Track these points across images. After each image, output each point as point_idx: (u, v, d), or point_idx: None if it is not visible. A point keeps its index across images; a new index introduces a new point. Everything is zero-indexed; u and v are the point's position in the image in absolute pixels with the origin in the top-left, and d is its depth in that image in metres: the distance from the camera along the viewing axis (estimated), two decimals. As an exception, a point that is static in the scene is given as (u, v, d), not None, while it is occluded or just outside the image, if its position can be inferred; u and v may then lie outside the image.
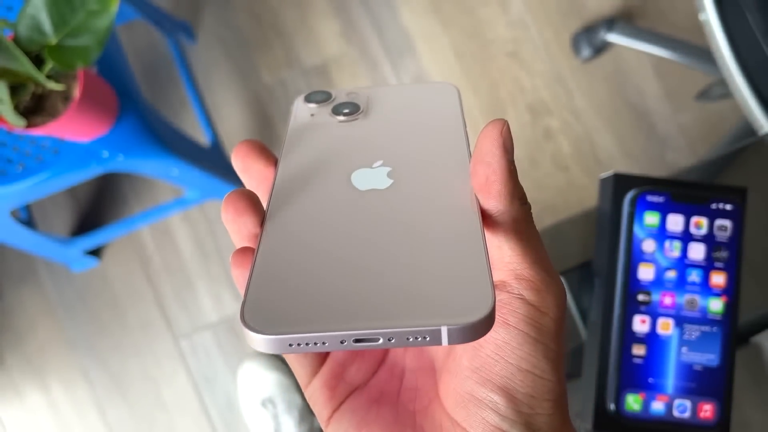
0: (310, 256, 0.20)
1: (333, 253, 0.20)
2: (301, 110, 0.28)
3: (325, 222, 0.22)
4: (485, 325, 0.18)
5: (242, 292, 0.21)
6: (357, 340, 0.18)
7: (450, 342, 0.18)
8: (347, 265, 0.20)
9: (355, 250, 0.20)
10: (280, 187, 0.24)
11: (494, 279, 0.21)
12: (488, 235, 0.22)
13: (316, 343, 0.18)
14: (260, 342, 0.18)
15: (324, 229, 0.21)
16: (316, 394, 0.23)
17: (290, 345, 0.18)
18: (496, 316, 0.21)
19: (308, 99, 0.28)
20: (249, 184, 0.25)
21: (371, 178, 0.24)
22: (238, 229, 0.22)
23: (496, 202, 0.21)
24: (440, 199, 0.22)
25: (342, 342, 0.18)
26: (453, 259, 0.20)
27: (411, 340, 0.18)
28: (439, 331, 0.18)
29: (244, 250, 0.22)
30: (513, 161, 0.22)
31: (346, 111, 0.27)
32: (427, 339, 0.18)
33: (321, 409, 0.23)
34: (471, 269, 0.19)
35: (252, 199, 0.22)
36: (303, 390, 0.24)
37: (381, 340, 0.18)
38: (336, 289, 0.19)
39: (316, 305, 0.19)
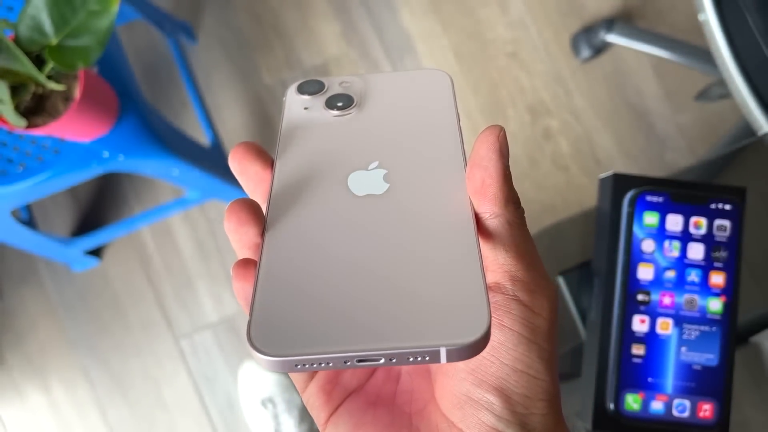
0: (311, 275, 0.21)
1: (334, 271, 0.21)
2: (294, 102, 0.28)
3: (324, 235, 0.22)
4: (481, 344, 0.19)
5: (243, 305, 0.22)
6: (360, 360, 0.19)
7: (448, 360, 0.19)
8: (348, 284, 0.20)
9: (355, 268, 0.21)
10: (277, 193, 0.24)
11: (490, 281, 0.22)
12: (483, 237, 0.22)
13: (321, 364, 0.19)
14: (268, 363, 0.19)
15: (323, 243, 0.22)
16: (313, 398, 0.23)
17: (296, 365, 0.19)
18: (492, 318, 0.21)
19: (301, 90, 0.28)
20: (246, 186, 0.25)
21: (367, 182, 0.24)
22: (239, 238, 0.22)
23: (491, 205, 0.22)
24: (436, 209, 0.23)
25: (345, 362, 0.19)
26: (450, 278, 0.20)
27: (411, 359, 0.19)
28: (438, 351, 0.19)
29: (246, 263, 0.22)
30: (508, 166, 0.22)
31: (340, 104, 0.27)
32: (427, 359, 0.19)
33: (318, 413, 0.23)
34: (468, 289, 0.20)
35: (254, 209, 0.22)
36: (300, 394, 0.24)
37: (383, 360, 0.19)
38: (338, 309, 0.20)
39: (319, 326, 0.19)
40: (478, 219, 0.22)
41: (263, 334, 0.19)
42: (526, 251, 0.22)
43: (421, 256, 0.21)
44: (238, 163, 0.24)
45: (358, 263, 0.21)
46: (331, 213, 0.23)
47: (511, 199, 0.22)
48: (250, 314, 0.20)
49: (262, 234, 0.22)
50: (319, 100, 0.27)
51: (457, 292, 0.20)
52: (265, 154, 0.25)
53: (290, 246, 0.22)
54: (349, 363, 0.19)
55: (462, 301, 0.20)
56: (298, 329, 0.19)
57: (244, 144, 0.24)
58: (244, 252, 0.23)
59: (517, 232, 0.22)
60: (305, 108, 0.27)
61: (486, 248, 0.22)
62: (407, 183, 0.24)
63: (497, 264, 0.22)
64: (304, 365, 0.19)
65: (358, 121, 0.27)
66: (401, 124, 0.26)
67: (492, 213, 0.22)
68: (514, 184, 0.23)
